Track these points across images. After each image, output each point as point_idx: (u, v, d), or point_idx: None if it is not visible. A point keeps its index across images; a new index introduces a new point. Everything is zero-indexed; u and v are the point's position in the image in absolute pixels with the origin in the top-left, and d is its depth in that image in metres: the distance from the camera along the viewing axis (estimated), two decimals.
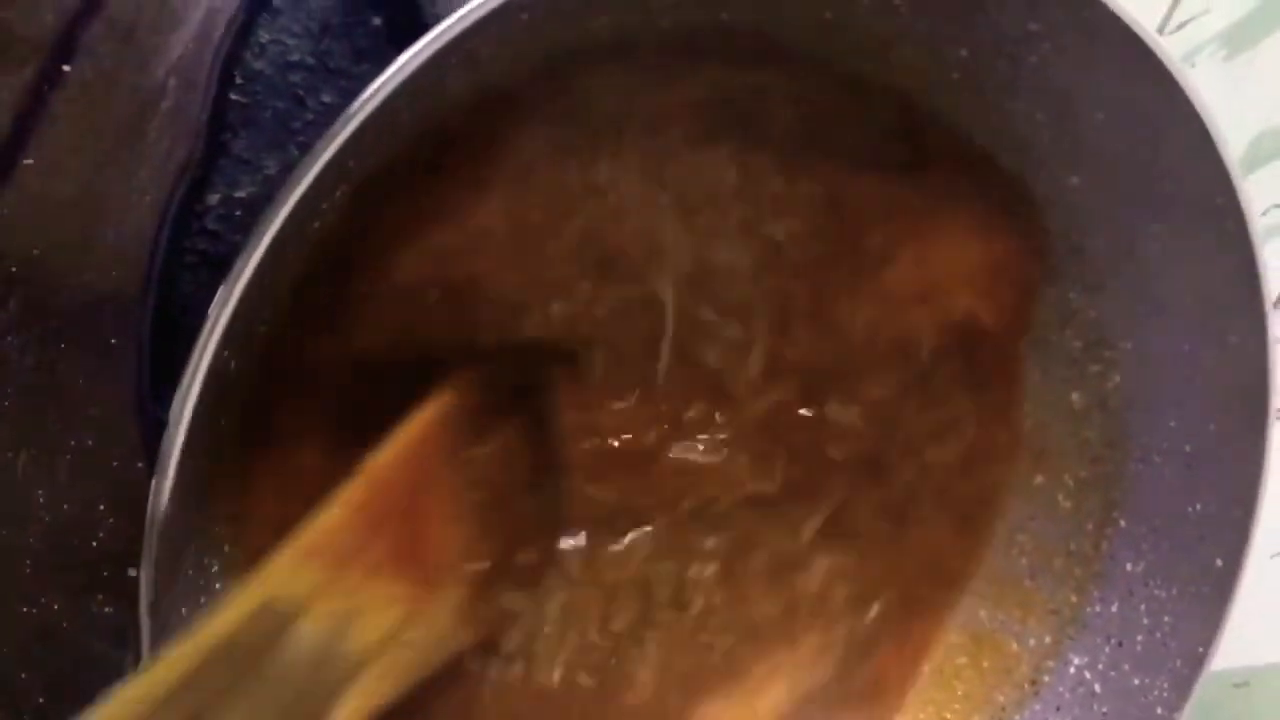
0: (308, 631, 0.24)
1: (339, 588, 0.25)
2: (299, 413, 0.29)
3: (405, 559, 0.27)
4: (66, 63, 0.29)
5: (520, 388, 0.31)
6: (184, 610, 0.26)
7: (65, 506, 0.33)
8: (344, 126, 0.22)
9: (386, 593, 0.26)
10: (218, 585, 0.28)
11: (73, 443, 0.33)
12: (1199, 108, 0.31)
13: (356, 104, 0.23)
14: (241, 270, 0.22)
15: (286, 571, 0.24)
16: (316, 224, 0.26)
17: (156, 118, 0.31)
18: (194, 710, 0.21)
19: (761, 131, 0.34)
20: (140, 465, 0.33)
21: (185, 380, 0.23)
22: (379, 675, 0.26)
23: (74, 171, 0.31)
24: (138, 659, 0.30)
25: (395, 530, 0.27)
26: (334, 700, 0.25)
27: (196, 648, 0.22)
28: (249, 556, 0.28)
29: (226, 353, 0.24)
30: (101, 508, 0.33)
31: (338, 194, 0.26)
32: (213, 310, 0.22)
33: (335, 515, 0.26)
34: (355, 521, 0.26)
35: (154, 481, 0.24)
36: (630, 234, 0.33)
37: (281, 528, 0.26)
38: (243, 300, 0.24)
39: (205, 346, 0.22)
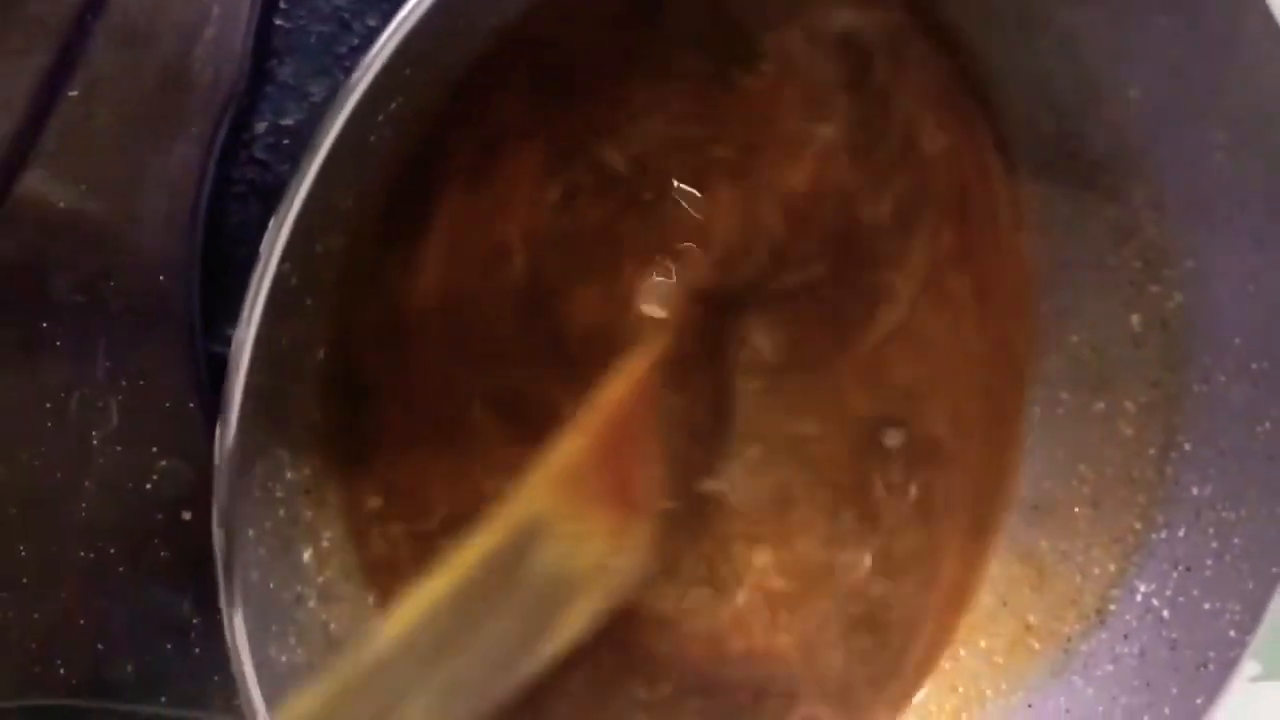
0: (548, 549, 0.27)
1: (573, 512, 0.28)
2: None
3: (619, 492, 0.30)
4: None
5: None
6: (250, 531, 0.25)
7: (118, 449, 0.32)
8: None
9: (605, 521, 0.29)
10: (281, 512, 0.27)
11: (124, 383, 0.32)
12: (1274, 12, 0.30)
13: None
14: (297, 188, 0.21)
15: (535, 496, 0.27)
16: (373, 137, 0.26)
17: (200, 46, 0.30)
18: (471, 608, 0.25)
19: None
20: (192, 405, 0.32)
21: (250, 293, 0.22)
22: (594, 595, 0.29)
23: (118, 103, 0.30)
24: (195, 605, 0.30)
25: (615, 465, 0.30)
26: (560, 612, 0.28)
27: (470, 555, 0.25)
28: (313, 479, 0.27)
29: (288, 265, 0.24)
30: (155, 449, 0.32)
31: (393, 105, 0.25)
32: (271, 227, 0.22)
33: (572, 446, 0.28)
34: (591, 453, 0.29)
35: (222, 405, 0.23)
36: None
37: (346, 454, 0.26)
38: (302, 216, 0.23)
39: (269, 259, 0.22)
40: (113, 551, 0.33)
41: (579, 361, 0.31)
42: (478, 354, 0.30)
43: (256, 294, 0.22)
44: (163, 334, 0.32)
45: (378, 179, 0.27)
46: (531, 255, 0.31)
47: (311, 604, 0.28)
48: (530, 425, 0.30)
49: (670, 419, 0.32)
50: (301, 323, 0.26)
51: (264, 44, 0.30)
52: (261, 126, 0.31)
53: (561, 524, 0.28)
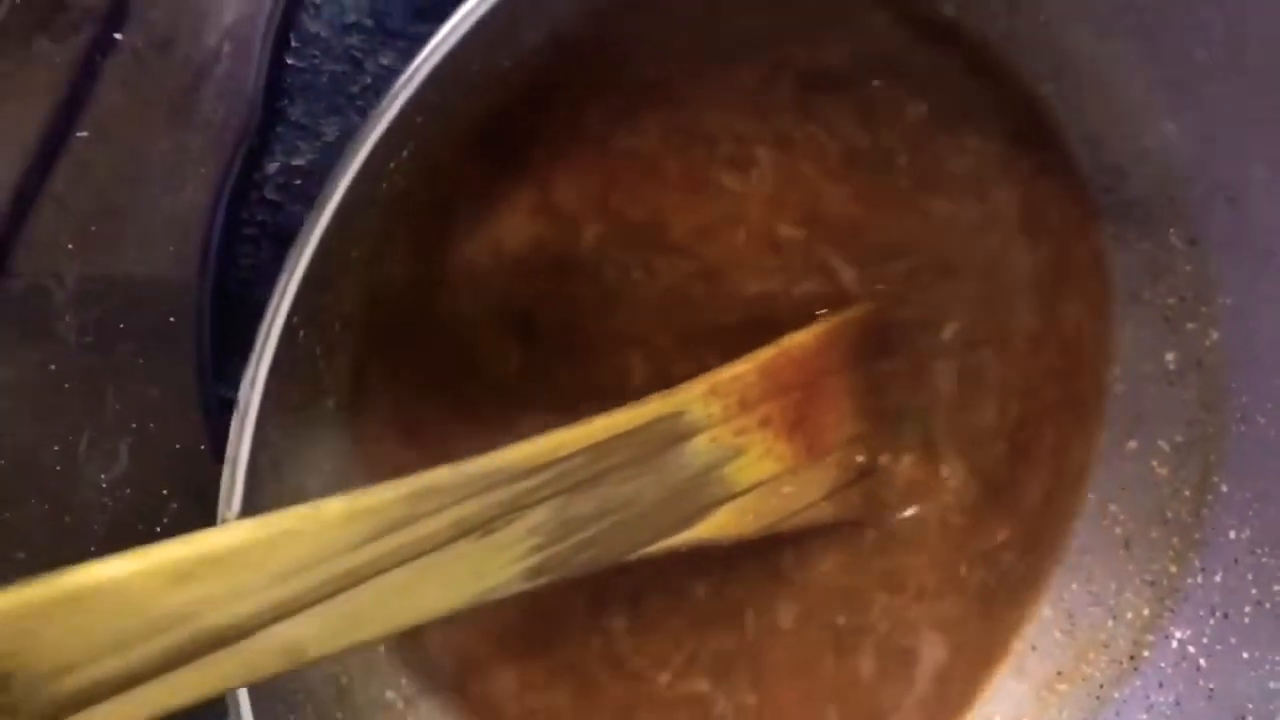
0: (701, 448, 0.29)
1: (734, 425, 0.30)
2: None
3: (797, 425, 0.32)
4: (119, 30, 0.28)
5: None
6: None
7: (128, 491, 0.32)
8: (418, 69, 0.21)
9: (771, 446, 0.31)
10: None
11: (133, 425, 0.32)
12: None
13: (426, 50, 0.21)
14: (308, 235, 0.21)
15: (697, 397, 0.29)
16: (384, 184, 0.25)
17: (211, 85, 0.30)
18: (604, 469, 0.26)
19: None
20: (202, 448, 0.32)
21: (255, 352, 0.21)
22: (746, 509, 0.31)
23: (128, 142, 0.30)
24: None
25: (795, 400, 0.32)
26: (706, 510, 0.29)
27: (611, 423, 0.26)
28: None
29: (296, 319, 0.23)
30: (165, 492, 0.32)
31: (405, 152, 0.25)
32: (282, 278, 0.21)
33: (744, 368, 0.31)
34: (758, 380, 0.31)
35: (226, 462, 0.22)
36: None
37: None
38: (311, 268, 0.23)
39: (276, 312, 0.21)
40: None
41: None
42: (491, 411, 0.30)
43: (261, 354, 0.21)
44: (173, 376, 0.31)
45: (389, 227, 0.26)
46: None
47: None
48: None
49: (880, 383, 0.35)
50: (307, 374, 0.26)
51: (275, 83, 0.30)
52: (273, 167, 0.30)
53: (716, 430, 0.30)
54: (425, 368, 0.29)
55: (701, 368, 0.30)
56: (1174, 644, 0.36)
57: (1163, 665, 0.37)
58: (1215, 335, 0.36)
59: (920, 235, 0.35)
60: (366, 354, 0.27)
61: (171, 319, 0.31)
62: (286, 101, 0.30)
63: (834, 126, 0.33)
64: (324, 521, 0.21)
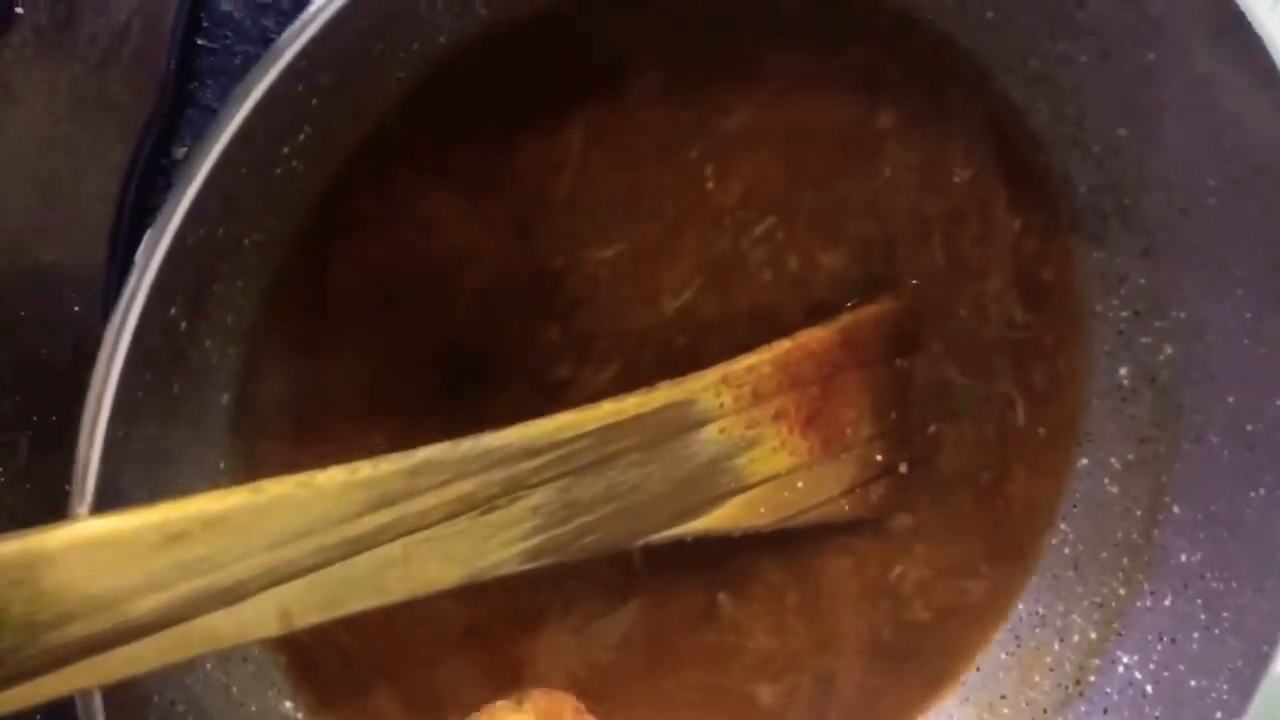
0: (711, 438, 0.29)
1: (746, 417, 0.30)
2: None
3: (814, 420, 0.32)
4: (16, 4, 0.27)
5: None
6: None
7: (28, 485, 0.31)
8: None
9: (785, 439, 0.31)
10: None
11: (34, 419, 0.30)
12: (1272, 52, 0.28)
13: (299, 21, 0.20)
14: (169, 215, 0.20)
15: (708, 387, 0.29)
16: (278, 170, 0.24)
17: (118, 67, 0.29)
18: (610, 454, 0.26)
19: None
20: None
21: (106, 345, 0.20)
22: (757, 501, 0.31)
23: (30, 127, 0.29)
24: None
25: (812, 394, 0.32)
26: (716, 501, 0.29)
27: (619, 408, 0.26)
28: None
29: (175, 309, 0.22)
30: (66, 487, 0.31)
31: (301, 136, 0.24)
32: (138, 259, 0.20)
33: (757, 360, 0.30)
34: (773, 372, 0.31)
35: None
36: None
37: None
38: (190, 252, 0.22)
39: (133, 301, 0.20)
40: None
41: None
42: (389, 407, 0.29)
43: (116, 341, 0.20)
44: (77, 368, 0.30)
45: (286, 217, 0.25)
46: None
47: (209, 666, 0.26)
48: None
49: (891, 382, 0.34)
50: (200, 367, 0.25)
51: (186, 66, 0.29)
52: (181, 152, 0.29)
53: (728, 421, 0.29)
54: (322, 369, 0.28)
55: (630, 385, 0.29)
56: (1120, 669, 0.35)
57: (1109, 691, 0.35)
58: (1169, 350, 0.35)
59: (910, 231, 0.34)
60: (262, 350, 0.26)
61: (76, 307, 0.30)
62: (196, 85, 0.29)
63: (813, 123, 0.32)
64: (321, 490, 0.21)
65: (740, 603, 0.34)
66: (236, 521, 0.20)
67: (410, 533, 0.22)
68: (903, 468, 0.35)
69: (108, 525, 0.19)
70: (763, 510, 0.31)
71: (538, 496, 0.24)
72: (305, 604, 0.21)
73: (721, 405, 0.29)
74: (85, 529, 0.19)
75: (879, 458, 0.34)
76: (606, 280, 0.31)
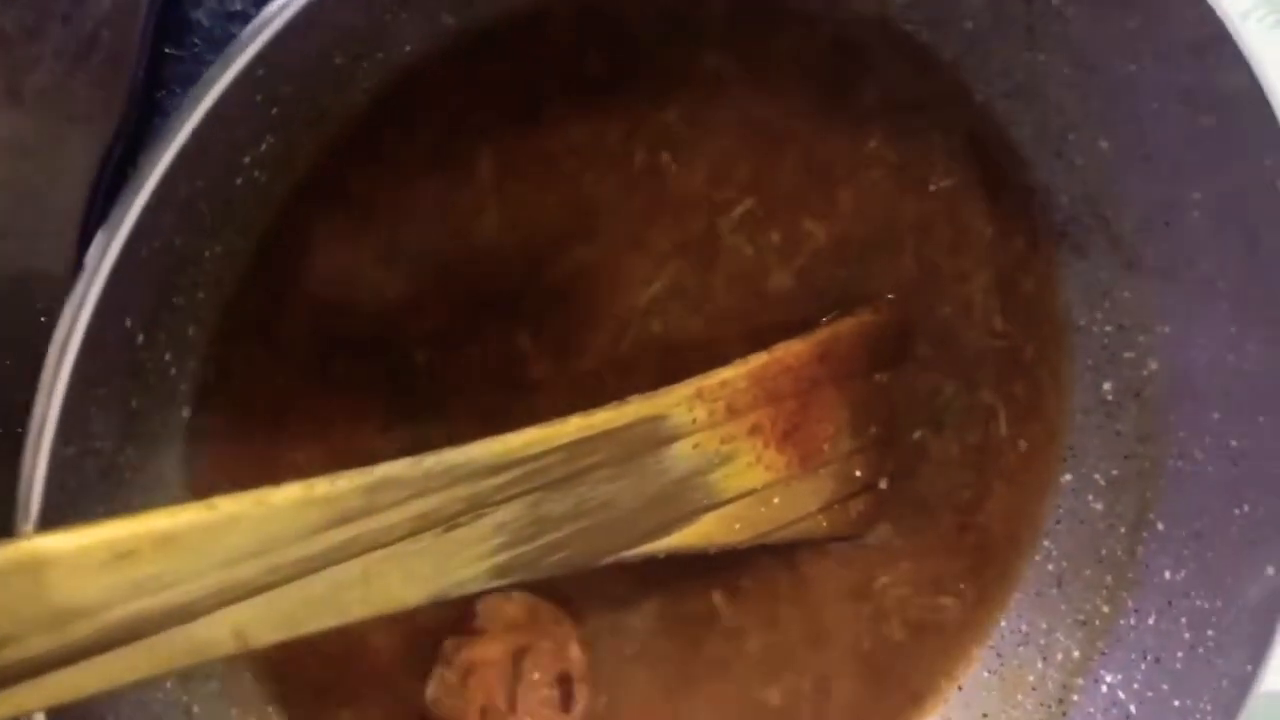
0: (684, 453, 0.29)
1: (720, 431, 0.29)
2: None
3: (788, 435, 0.31)
4: None
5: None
6: None
7: None
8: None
9: (761, 455, 0.30)
10: None
11: (1, 430, 0.30)
12: (1254, 64, 0.27)
13: (252, 25, 0.20)
14: (118, 220, 0.19)
15: (680, 401, 0.29)
16: (239, 180, 0.23)
17: (87, 75, 0.28)
18: (579, 470, 0.25)
19: None
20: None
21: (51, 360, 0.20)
22: (733, 518, 0.30)
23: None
24: None
25: (787, 409, 0.31)
26: (689, 517, 0.29)
27: (588, 423, 0.26)
28: None
29: (130, 322, 0.22)
30: None
31: (262, 146, 0.23)
32: (86, 267, 0.20)
33: (732, 374, 0.30)
34: (748, 386, 0.30)
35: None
36: None
37: None
38: (144, 261, 0.21)
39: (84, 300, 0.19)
40: None
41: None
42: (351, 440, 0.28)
43: (59, 364, 0.19)
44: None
45: (246, 228, 0.25)
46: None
47: (169, 685, 0.26)
48: None
49: (880, 397, 0.33)
50: (158, 381, 0.24)
51: (154, 74, 0.28)
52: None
53: (702, 436, 0.29)
54: (287, 382, 0.27)
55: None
56: (1104, 688, 0.35)
57: (1091, 711, 0.35)
58: (1154, 365, 0.34)
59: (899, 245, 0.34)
60: (224, 364, 0.26)
61: (43, 319, 0.29)
62: (164, 93, 0.28)
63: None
64: (275, 507, 0.20)
65: (735, 602, 0.34)
66: (189, 539, 0.19)
67: (370, 550, 0.22)
68: (883, 483, 0.34)
69: (53, 543, 0.19)
70: (738, 527, 0.30)
71: (504, 513, 0.24)
72: (261, 623, 0.20)
73: (695, 420, 0.29)
74: (29, 547, 0.18)
75: (858, 473, 0.34)
76: (580, 286, 0.31)
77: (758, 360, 0.31)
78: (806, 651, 0.35)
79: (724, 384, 0.30)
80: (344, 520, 0.21)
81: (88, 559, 0.19)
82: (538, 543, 0.25)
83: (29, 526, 0.20)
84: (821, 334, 0.32)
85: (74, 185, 0.29)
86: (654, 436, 0.28)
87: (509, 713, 0.31)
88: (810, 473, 0.32)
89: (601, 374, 0.31)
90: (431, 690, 0.31)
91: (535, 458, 0.25)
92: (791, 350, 0.31)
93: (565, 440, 0.25)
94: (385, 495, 0.22)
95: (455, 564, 0.23)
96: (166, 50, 0.28)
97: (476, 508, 0.23)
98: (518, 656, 0.31)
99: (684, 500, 0.29)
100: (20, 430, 0.31)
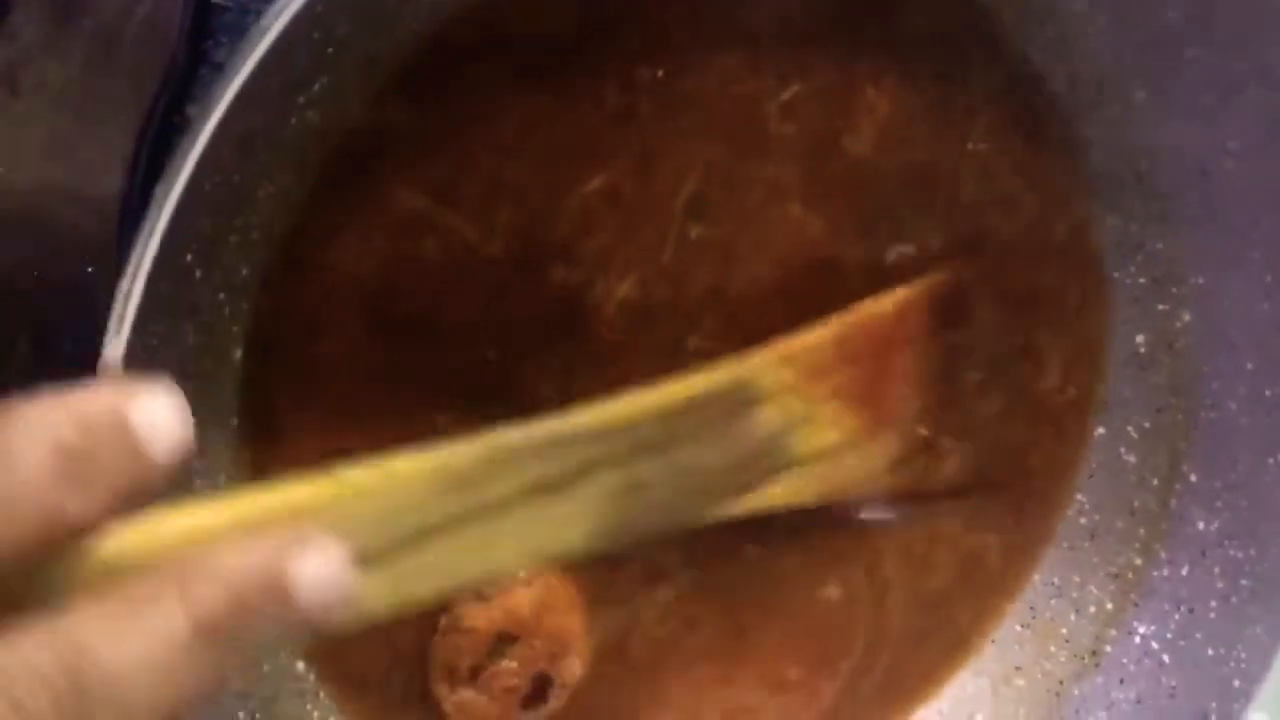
0: (768, 417, 0.29)
1: (802, 394, 0.30)
2: None
3: (865, 396, 0.32)
4: None
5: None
6: None
7: None
8: None
9: (837, 416, 0.31)
10: None
11: (53, 381, 0.30)
12: None
13: None
14: (184, 156, 0.20)
15: (765, 366, 0.29)
16: (293, 120, 0.24)
17: (134, 24, 0.29)
18: (673, 434, 0.26)
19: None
20: None
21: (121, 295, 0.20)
22: (808, 477, 0.31)
23: (46, 85, 0.29)
24: None
25: (865, 370, 0.31)
26: (769, 478, 0.29)
27: (684, 389, 0.27)
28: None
29: (190, 257, 0.22)
30: None
31: (316, 86, 0.23)
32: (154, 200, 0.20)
33: (815, 338, 0.30)
34: (831, 349, 0.31)
35: None
36: None
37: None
38: (202, 197, 0.21)
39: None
40: None
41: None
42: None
43: (128, 297, 0.20)
44: (90, 328, 0.30)
45: (301, 168, 0.25)
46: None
47: None
48: None
49: (951, 356, 0.34)
50: (214, 320, 0.24)
51: (201, 25, 0.29)
52: (195, 110, 0.29)
53: (784, 399, 0.29)
54: (334, 328, 0.27)
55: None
56: (1137, 639, 0.35)
57: (1125, 661, 0.35)
58: (1187, 317, 0.34)
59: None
60: (273, 304, 0.26)
61: (90, 269, 0.30)
62: (211, 43, 0.29)
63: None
64: (399, 476, 0.20)
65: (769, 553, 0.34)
66: (315, 510, 0.19)
67: (483, 516, 0.22)
68: (945, 441, 0.34)
69: (172, 518, 0.18)
70: (814, 486, 0.31)
71: (604, 478, 0.24)
72: (377, 595, 0.20)
73: (781, 383, 0.29)
74: (155, 524, 0.17)
75: (923, 432, 0.34)
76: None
77: (842, 322, 0.31)
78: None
79: (808, 348, 0.30)
80: (460, 488, 0.21)
81: (202, 540, 0.18)
82: (634, 507, 0.25)
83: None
84: (899, 295, 0.32)
85: (119, 136, 0.29)
86: (742, 400, 0.28)
87: (469, 681, 0.31)
88: (880, 433, 0.33)
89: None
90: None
91: (636, 422, 0.25)
92: (871, 312, 0.32)
93: (663, 406, 0.26)
94: (497, 462, 0.22)
95: (561, 528, 0.23)
96: (212, 1, 0.29)
97: (579, 474, 0.24)
98: (502, 638, 0.31)
99: (766, 461, 0.29)
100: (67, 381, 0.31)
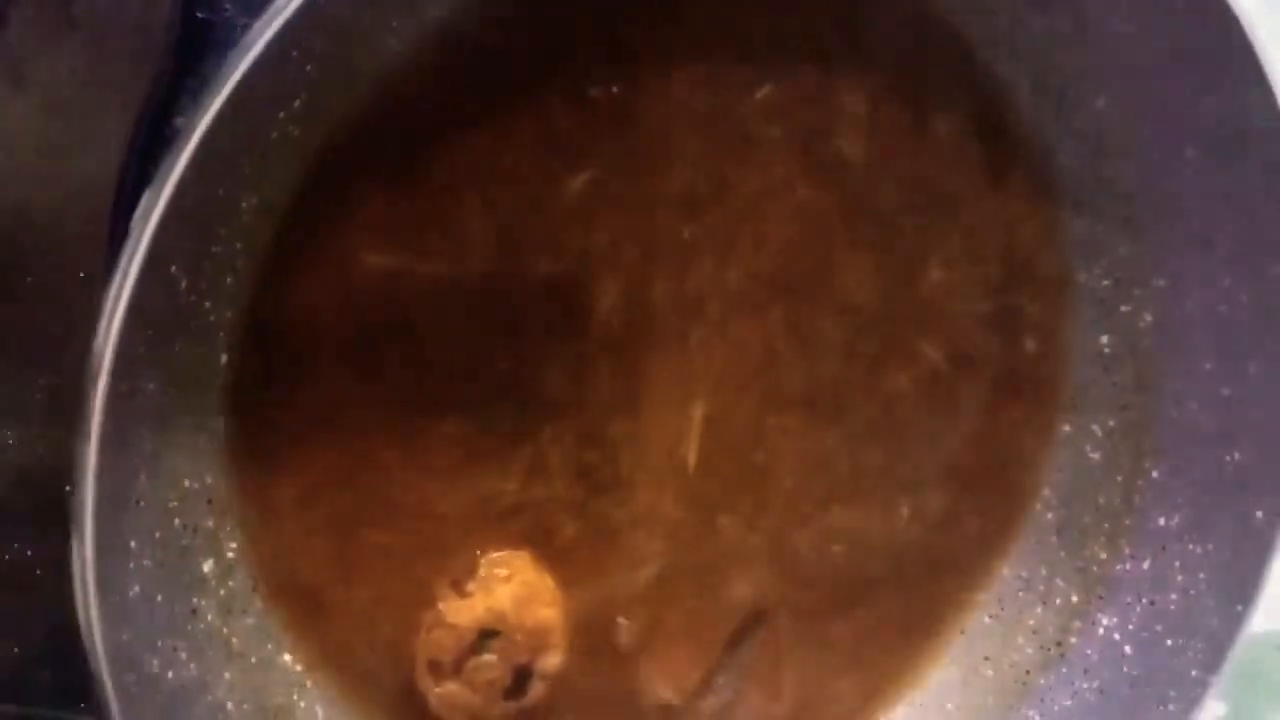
0: None
1: None
2: None
3: None
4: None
5: None
6: (132, 543, 0.24)
7: (37, 448, 0.32)
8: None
9: None
10: (176, 521, 0.26)
11: (42, 381, 0.31)
12: (1245, 23, 0.28)
13: None
14: (168, 172, 0.20)
15: None
16: (275, 134, 0.24)
17: (120, 37, 0.29)
18: None
19: None
20: None
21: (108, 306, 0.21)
22: None
23: (32, 98, 0.29)
24: None
25: None
26: None
27: None
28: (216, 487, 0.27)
29: (174, 267, 0.23)
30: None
31: (296, 102, 0.24)
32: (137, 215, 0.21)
33: None
34: None
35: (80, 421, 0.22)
36: None
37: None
38: (190, 216, 0.22)
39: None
40: (29, 553, 0.32)
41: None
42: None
43: (115, 306, 0.20)
44: (83, 332, 0.31)
45: (281, 182, 0.26)
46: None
47: (211, 617, 0.27)
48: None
49: None
50: (199, 327, 0.25)
51: (186, 37, 0.29)
52: (181, 122, 0.30)
53: None
54: (318, 338, 0.28)
55: None
56: (1100, 631, 0.36)
57: (1089, 653, 0.36)
58: (1149, 318, 0.35)
59: None
60: (259, 308, 0.27)
61: (81, 275, 0.31)
62: (197, 56, 0.29)
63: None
64: None
65: None
66: None
67: None
68: None
69: None
70: None
71: None
72: None
73: None
74: None
75: None
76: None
77: None
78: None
79: None
80: None
81: None
82: None
83: (90, 448, 0.21)
84: None
85: (108, 146, 0.30)
86: None
87: (452, 674, 0.32)
88: None
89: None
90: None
91: None
92: None
93: None
94: None
95: None
96: (199, 15, 0.29)
97: None
98: (484, 633, 0.32)
99: None
100: (60, 382, 0.32)
